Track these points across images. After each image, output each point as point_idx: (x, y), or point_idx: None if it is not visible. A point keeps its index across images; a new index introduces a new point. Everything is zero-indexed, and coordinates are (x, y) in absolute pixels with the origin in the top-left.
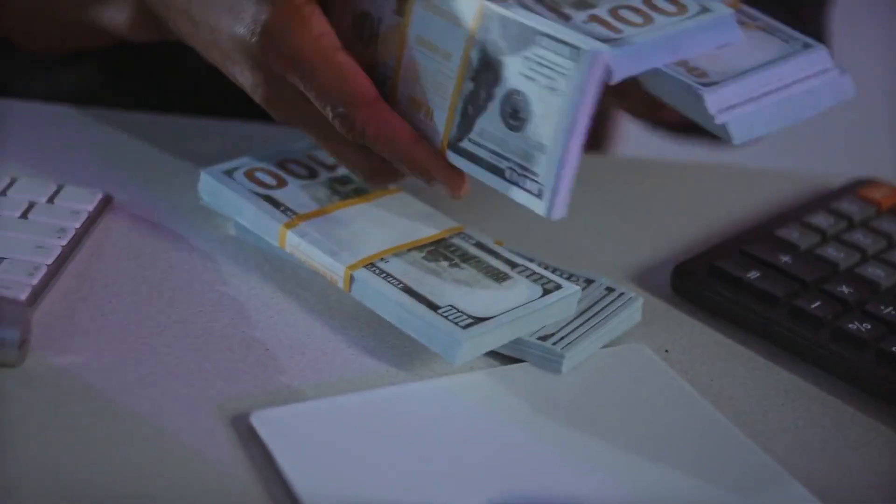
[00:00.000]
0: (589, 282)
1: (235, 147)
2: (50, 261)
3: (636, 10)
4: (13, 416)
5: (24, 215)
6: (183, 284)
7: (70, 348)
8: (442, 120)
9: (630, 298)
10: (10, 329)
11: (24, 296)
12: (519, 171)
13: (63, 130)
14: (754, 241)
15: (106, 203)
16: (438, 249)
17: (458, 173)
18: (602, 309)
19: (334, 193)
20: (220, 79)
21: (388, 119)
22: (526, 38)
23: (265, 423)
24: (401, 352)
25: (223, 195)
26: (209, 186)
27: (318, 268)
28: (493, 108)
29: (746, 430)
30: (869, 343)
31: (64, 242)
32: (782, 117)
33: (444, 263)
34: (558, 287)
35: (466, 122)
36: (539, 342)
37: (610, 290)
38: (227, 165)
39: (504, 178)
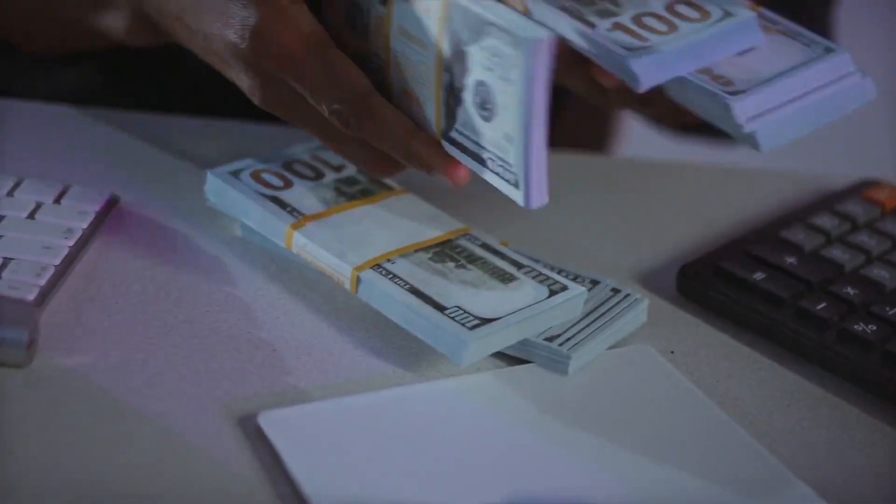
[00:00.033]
0: (594, 283)
1: (241, 148)
2: (57, 261)
3: (660, 17)
4: (21, 417)
5: (32, 216)
6: (189, 285)
7: (77, 349)
8: (431, 109)
9: (636, 300)
10: (18, 330)
11: (31, 296)
12: (498, 161)
13: (68, 131)
14: (759, 242)
15: (112, 204)
16: (444, 250)
17: (456, 161)
18: (608, 310)
19: (340, 194)
20: (220, 79)
21: (383, 112)
22: (480, 28)
23: (272, 423)
24: (407, 353)
25: (229, 196)
26: (215, 187)
27: (324, 269)
28: (468, 98)
29: (752, 431)
30: (874, 344)
31: (71, 243)
32: (807, 122)
33: (451, 264)
34: (564, 288)
35: (450, 112)
36: (546, 343)
37: (616, 291)
38: (233, 166)
39: (488, 168)
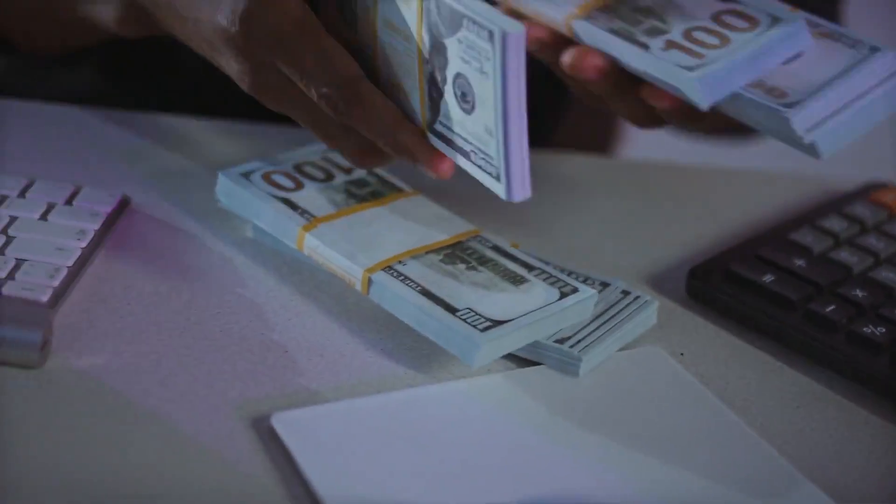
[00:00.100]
0: (604, 285)
1: (252, 149)
2: (70, 262)
3: (710, 31)
4: (35, 417)
5: (44, 217)
6: (201, 286)
7: (90, 350)
8: (417, 101)
9: (646, 302)
10: (32, 331)
11: (45, 298)
12: (480, 154)
13: (79, 132)
14: (768, 244)
15: (124, 205)
16: (455, 252)
17: (440, 154)
18: (618, 312)
19: (351, 196)
20: (222, 79)
21: (373, 98)
22: (456, 20)
23: (285, 424)
24: (419, 354)
25: (241, 197)
26: (227, 188)
27: (335, 270)
28: (449, 90)
29: (761, 433)
30: (883, 346)
31: (84, 244)
32: (862, 124)
33: (462, 266)
34: (575, 290)
35: (434, 104)
36: (556, 345)
37: (626, 293)
38: (244, 168)
39: (472, 161)
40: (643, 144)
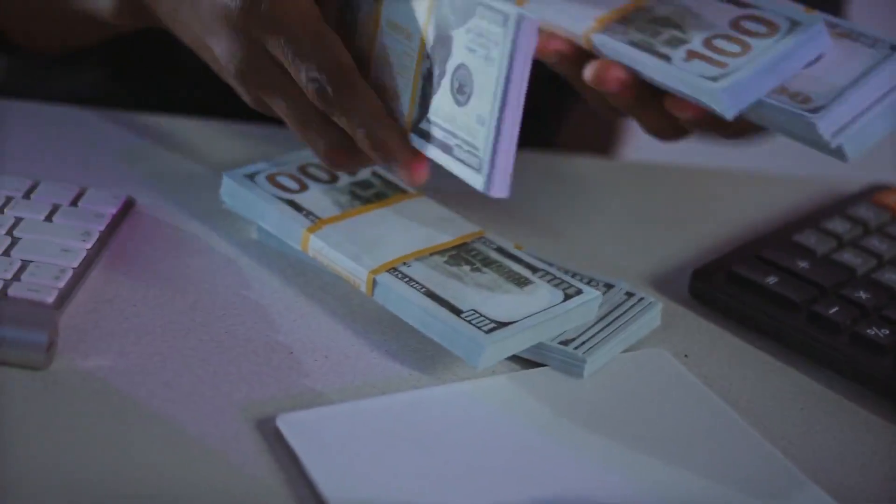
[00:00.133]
0: (608, 286)
1: (256, 150)
2: (76, 264)
3: (730, 38)
4: (41, 418)
5: (49, 218)
6: (206, 288)
7: (96, 351)
8: (406, 102)
9: (649, 303)
10: (37, 332)
11: (51, 299)
12: (465, 146)
13: (84, 133)
14: (771, 246)
15: (128, 206)
16: (460, 254)
17: (419, 158)
18: (622, 314)
19: (355, 198)
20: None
21: (361, 88)
22: (468, 9)
23: (291, 426)
24: (423, 356)
25: (245, 199)
26: (231, 190)
27: (340, 272)
28: (445, 84)
29: (765, 434)
30: (886, 348)
31: (89, 245)
32: (886, 124)
33: (466, 268)
34: (579, 292)
35: (425, 101)
36: (561, 347)
37: (629, 294)
38: (248, 169)
39: (452, 155)
40: (645, 146)
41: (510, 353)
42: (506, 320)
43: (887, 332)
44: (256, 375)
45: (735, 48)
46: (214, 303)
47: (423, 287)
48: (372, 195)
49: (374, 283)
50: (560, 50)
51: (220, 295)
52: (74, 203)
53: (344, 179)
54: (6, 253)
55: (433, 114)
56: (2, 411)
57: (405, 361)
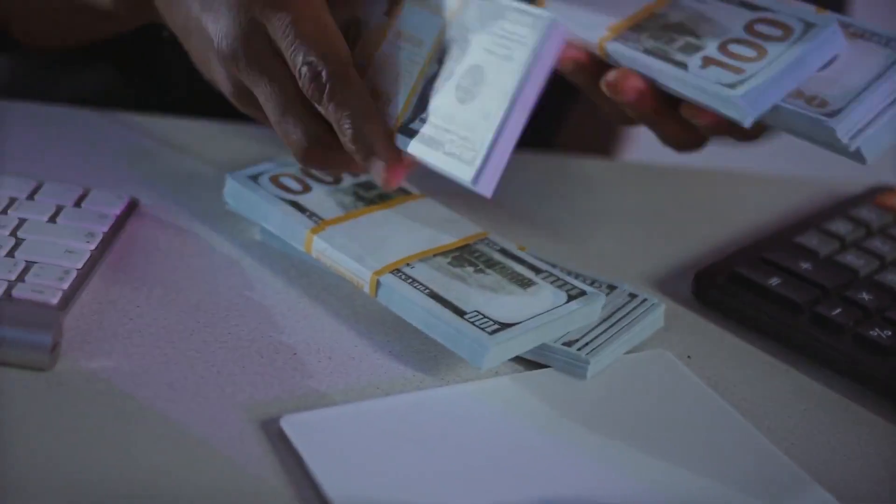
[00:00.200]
0: (611, 288)
1: (260, 151)
2: (80, 265)
3: (745, 42)
4: (45, 419)
5: (53, 219)
6: (210, 289)
7: (100, 352)
8: (399, 105)
9: (652, 304)
10: (42, 333)
11: (55, 300)
12: (459, 141)
13: (87, 134)
14: (774, 247)
15: (132, 207)
16: (463, 255)
17: (400, 160)
18: (625, 315)
19: (359, 199)
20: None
21: (356, 83)
22: (497, 12)
23: (295, 427)
24: (426, 357)
25: (249, 200)
26: (234, 191)
27: (344, 273)
28: (450, 84)
29: (769, 436)
30: (889, 349)
31: (93, 246)
32: None
33: (470, 269)
34: (582, 293)
35: (422, 103)
36: (564, 348)
37: (632, 296)
38: (252, 170)
39: (443, 150)
40: (646, 146)
41: (513, 355)
42: (509, 321)
43: (889, 333)
44: (260, 376)
45: (751, 53)
46: (218, 304)
47: (427, 288)
48: (375, 196)
49: (378, 284)
50: (576, 58)
51: (223, 296)
52: (78, 204)
53: (347, 181)
54: (10, 254)
55: (429, 113)
56: (6, 412)
57: (409, 362)
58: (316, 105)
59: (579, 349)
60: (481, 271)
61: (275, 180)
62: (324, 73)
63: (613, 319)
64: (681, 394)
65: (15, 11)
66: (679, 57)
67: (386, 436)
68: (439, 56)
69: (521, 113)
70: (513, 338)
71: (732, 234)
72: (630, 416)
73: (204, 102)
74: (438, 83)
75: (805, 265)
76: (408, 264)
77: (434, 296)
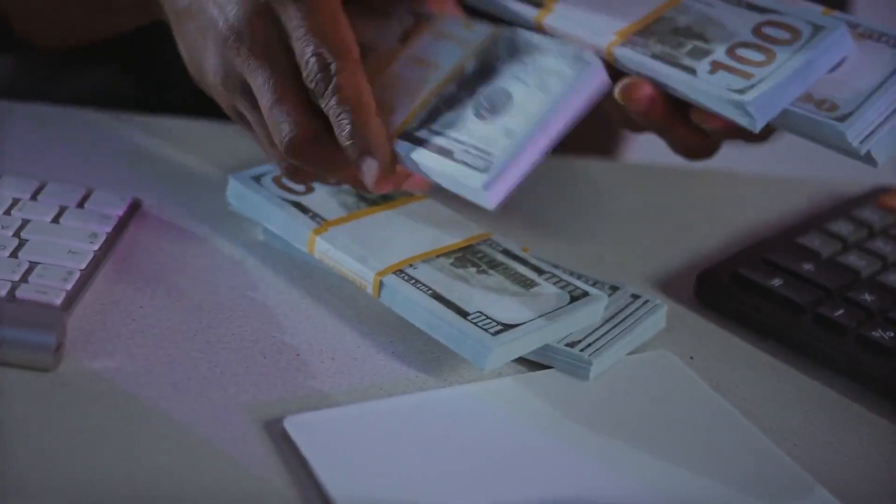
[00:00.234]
0: (614, 289)
1: (262, 152)
2: (83, 266)
3: (753, 46)
4: (49, 420)
5: (56, 220)
6: (213, 290)
7: (103, 353)
8: (403, 115)
9: (655, 305)
10: (46, 334)
11: (59, 301)
12: (473, 151)
13: (90, 134)
14: (776, 248)
15: (135, 207)
16: (466, 256)
17: (393, 161)
18: (628, 316)
19: (361, 200)
20: None
21: (361, 80)
22: (535, 48)
23: (298, 427)
24: (429, 357)
25: (252, 201)
26: (237, 192)
27: (346, 274)
28: (470, 102)
29: (771, 437)
30: (892, 350)
31: (96, 247)
32: None
33: (472, 270)
34: (585, 294)
35: (432, 115)
36: (567, 349)
37: (635, 297)
38: (255, 171)
39: (452, 157)
40: (648, 147)
41: (516, 356)
42: (512, 322)
43: (892, 334)
44: (263, 377)
45: (759, 57)
46: (221, 304)
47: (430, 289)
48: (378, 197)
49: (381, 284)
50: None
51: (226, 296)
52: (81, 205)
53: None
54: (14, 255)
55: (440, 124)
56: (10, 412)
57: (412, 363)
58: (317, 97)
59: (582, 350)
60: (484, 272)
61: (277, 181)
62: (333, 66)
63: (616, 320)
64: (683, 395)
65: (17, 6)
66: (687, 62)
67: (389, 436)
68: (457, 79)
69: (545, 139)
70: (516, 339)
71: (734, 235)
72: (632, 416)
73: (207, 103)
74: (454, 100)
75: (807, 266)
76: (411, 265)
77: (437, 297)
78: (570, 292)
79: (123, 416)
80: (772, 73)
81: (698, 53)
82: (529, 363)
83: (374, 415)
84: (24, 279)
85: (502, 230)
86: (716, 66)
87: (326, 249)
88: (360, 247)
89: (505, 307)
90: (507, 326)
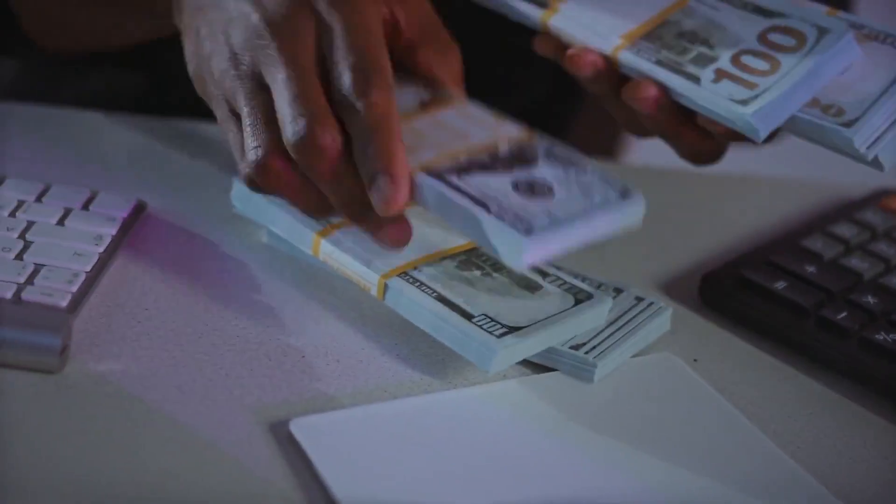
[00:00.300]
0: (618, 291)
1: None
2: (88, 268)
3: (758, 54)
4: (54, 422)
5: (61, 222)
6: (218, 292)
7: (108, 355)
8: (426, 156)
9: (659, 308)
10: (51, 336)
11: (64, 303)
12: (511, 213)
13: (94, 137)
14: (780, 250)
15: (139, 210)
16: (471, 258)
17: (408, 187)
18: (632, 318)
19: None
20: None
21: (394, 101)
22: (574, 162)
23: (304, 430)
24: (434, 360)
25: (256, 203)
26: (242, 194)
27: (351, 276)
28: (507, 177)
29: (775, 439)
30: (895, 353)
31: (101, 249)
32: None
33: (477, 272)
34: (590, 296)
35: (463, 168)
36: (571, 351)
37: (639, 299)
38: None
39: (489, 209)
40: (651, 149)
41: (521, 358)
42: (517, 325)
43: (895, 336)
44: (268, 379)
45: (764, 66)
46: (226, 307)
47: (435, 291)
48: None
49: (386, 287)
50: (597, 65)
51: (231, 299)
52: (86, 207)
53: None
54: (19, 257)
55: (471, 179)
56: (15, 414)
57: (416, 366)
58: (343, 109)
59: (586, 352)
60: (489, 275)
61: None
62: (370, 82)
63: (620, 323)
64: (687, 397)
65: (29, 9)
66: (692, 69)
67: (394, 439)
68: (490, 153)
69: (584, 234)
70: (520, 341)
71: (738, 237)
72: (636, 419)
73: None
74: (488, 167)
75: (810, 268)
76: (415, 267)
77: (442, 299)
78: (574, 295)
79: (129, 419)
80: (776, 83)
81: (703, 60)
82: (534, 365)
83: (379, 417)
84: (29, 281)
85: None
86: (720, 75)
87: (331, 252)
88: (364, 249)
89: (509, 310)
90: (512, 329)
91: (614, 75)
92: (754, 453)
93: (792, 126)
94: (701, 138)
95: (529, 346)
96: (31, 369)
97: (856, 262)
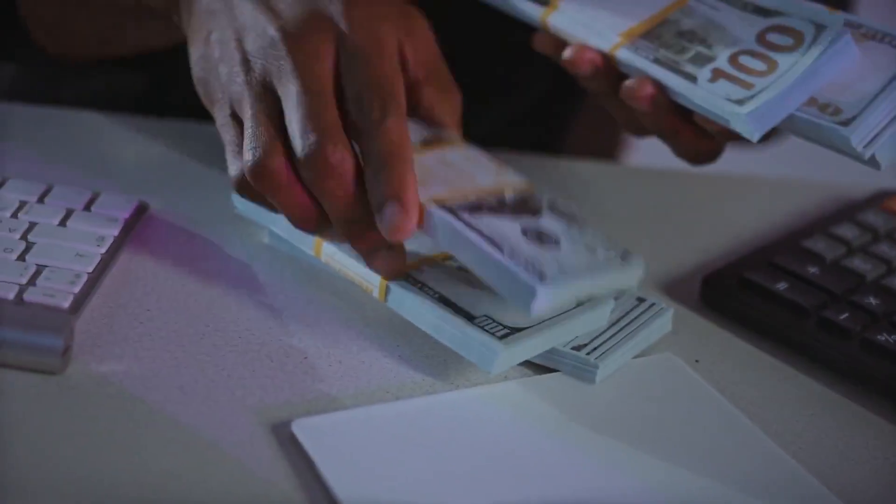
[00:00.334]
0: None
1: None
2: (90, 269)
3: (755, 54)
4: (56, 423)
5: (63, 223)
6: (219, 293)
7: (111, 356)
8: (437, 191)
9: (661, 309)
10: (53, 337)
11: (66, 304)
12: (523, 259)
13: (96, 138)
14: (781, 252)
15: (141, 210)
16: None
17: (416, 214)
18: (633, 319)
19: None
20: None
21: (407, 132)
22: (577, 219)
23: (306, 431)
24: (436, 361)
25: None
26: None
27: (353, 277)
28: (515, 223)
29: (776, 440)
30: None
31: (103, 250)
32: None
33: None
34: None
35: (474, 207)
36: (573, 352)
37: (641, 300)
38: None
39: (502, 251)
40: (652, 150)
41: (523, 359)
42: (518, 326)
43: None
44: (270, 380)
45: (761, 66)
46: (228, 307)
47: (436, 293)
48: None
49: (388, 288)
50: (595, 63)
51: (233, 299)
52: (88, 207)
53: None
54: (21, 258)
55: (482, 219)
56: (17, 415)
57: (418, 367)
58: (358, 133)
59: (588, 353)
60: None
61: None
62: (389, 106)
63: (622, 324)
64: (688, 398)
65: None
66: (689, 69)
67: (396, 439)
68: (497, 197)
69: (587, 285)
70: (522, 342)
71: (739, 238)
72: (638, 419)
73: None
74: (496, 210)
75: (812, 269)
76: (417, 269)
77: (443, 300)
78: None
79: (131, 420)
80: (772, 84)
81: (701, 60)
82: (536, 366)
83: (381, 418)
84: (31, 282)
85: None
86: (717, 75)
87: (333, 253)
88: None
89: (511, 311)
90: (514, 330)
91: (613, 74)
92: (756, 454)
93: (789, 125)
94: (698, 137)
95: (531, 347)
96: (34, 370)
97: (858, 264)
